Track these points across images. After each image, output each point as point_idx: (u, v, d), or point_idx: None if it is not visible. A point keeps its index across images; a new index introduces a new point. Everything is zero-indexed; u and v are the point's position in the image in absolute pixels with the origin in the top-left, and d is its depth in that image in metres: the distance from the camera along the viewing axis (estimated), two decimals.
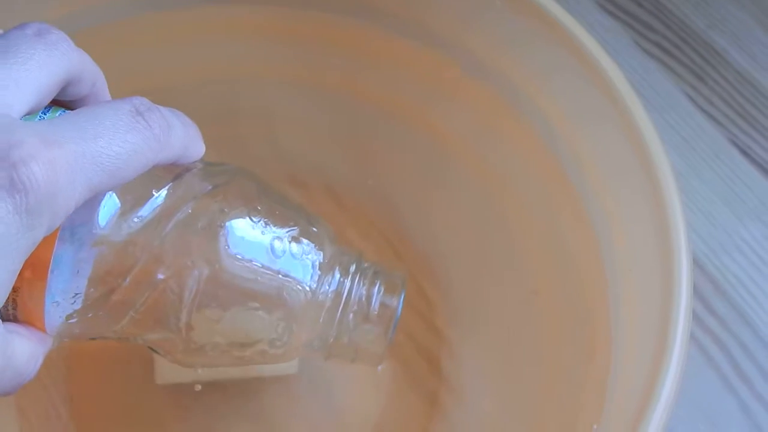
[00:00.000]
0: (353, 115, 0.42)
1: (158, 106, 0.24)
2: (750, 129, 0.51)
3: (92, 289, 0.25)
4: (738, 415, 0.41)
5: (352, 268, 0.30)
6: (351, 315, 0.30)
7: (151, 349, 0.29)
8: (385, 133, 0.42)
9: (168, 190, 0.26)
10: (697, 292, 0.45)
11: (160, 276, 0.26)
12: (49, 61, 0.22)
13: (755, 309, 0.45)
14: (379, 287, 0.30)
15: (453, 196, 0.41)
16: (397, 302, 0.31)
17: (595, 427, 0.30)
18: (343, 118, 0.42)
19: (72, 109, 0.24)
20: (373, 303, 0.30)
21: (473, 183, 0.40)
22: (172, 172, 0.26)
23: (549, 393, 0.35)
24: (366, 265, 0.31)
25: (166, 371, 0.38)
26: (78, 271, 0.24)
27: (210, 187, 0.27)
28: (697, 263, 0.46)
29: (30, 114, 0.23)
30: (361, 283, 0.30)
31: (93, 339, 0.27)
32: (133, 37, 0.38)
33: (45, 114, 0.23)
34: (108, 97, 0.27)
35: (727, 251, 0.46)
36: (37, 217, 0.19)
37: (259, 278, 0.27)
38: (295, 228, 0.29)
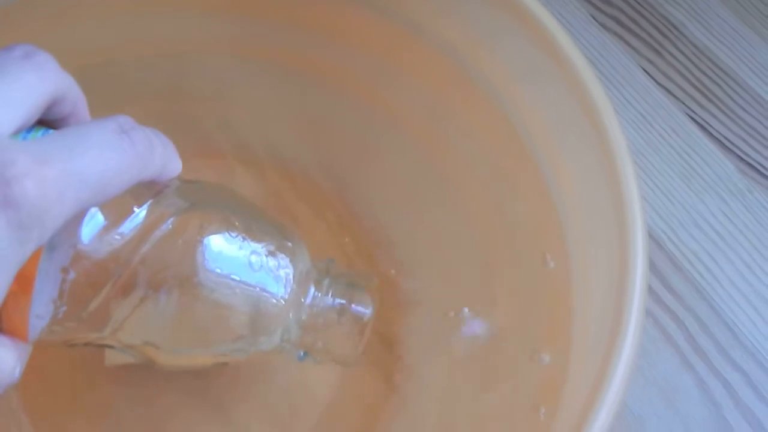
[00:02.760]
0: (305, 91, 0.41)
1: (140, 125, 0.25)
2: (708, 104, 0.51)
3: (75, 302, 0.26)
4: (694, 391, 0.41)
5: (326, 280, 0.32)
6: (324, 325, 0.31)
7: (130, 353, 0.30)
8: (336, 109, 0.41)
9: (148, 206, 0.27)
10: (654, 269, 0.45)
11: (141, 290, 0.27)
12: (37, 82, 0.23)
13: (712, 284, 0.45)
14: (351, 299, 0.32)
15: (406, 171, 0.41)
16: (369, 313, 0.32)
17: (542, 410, 0.30)
18: (294, 95, 0.41)
19: (54, 128, 0.25)
20: (345, 314, 0.32)
21: (428, 158, 0.39)
22: (151, 189, 0.27)
23: (502, 369, 0.35)
24: (339, 276, 0.32)
25: (115, 353, 0.37)
26: (61, 285, 0.25)
27: (188, 204, 0.28)
28: (654, 240, 0.46)
29: (17, 132, 0.23)
30: (334, 295, 0.32)
31: (73, 345, 0.28)
32: (76, 9, 0.37)
33: (28, 133, 0.24)
34: (87, 115, 0.27)
35: (685, 227, 0.46)
36: (28, 232, 0.20)
37: (237, 291, 0.28)
38: (271, 243, 0.30)
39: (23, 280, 0.23)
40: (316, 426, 0.38)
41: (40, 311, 0.25)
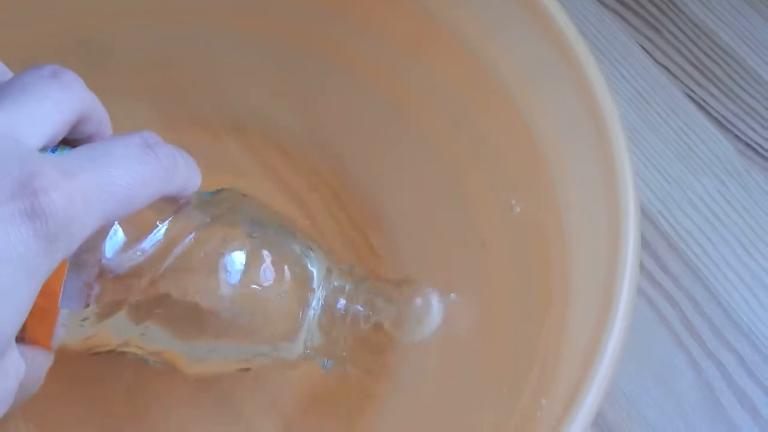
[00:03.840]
0: (299, 63, 0.41)
1: (164, 142, 0.25)
2: (706, 82, 0.51)
3: (99, 315, 0.26)
4: (688, 373, 0.41)
5: (348, 286, 0.32)
6: (346, 332, 0.31)
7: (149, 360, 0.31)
8: (333, 83, 0.41)
9: (171, 221, 0.28)
10: (649, 249, 0.45)
11: (164, 302, 0.27)
12: (63, 99, 0.24)
13: (708, 265, 0.44)
14: (372, 306, 0.32)
15: (401, 146, 0.40)
16: (394, 319, 0.32)
17: (543, 401, 0.29)
18: (289, 68, 0.41)
19: None
20: (368, 321, 0.32)
21: (422, 134, 0.39)
22: (173, 203, 0.28)
23: (495, 351, 0.34)
24: (361, 282, 0.32)
25: None
26: (86, 298, 0.26)
27: (210, 218, 0.29)
28: (650, 219, 0.45)
29: (43, 149, 0.24)
30: (356, 302, 0.32)
31: (96, 354, 0.29)
32: None
33: (54, 151, 0.24)
34: (111, 135, 0.28)
35: (681, 207, 0.46)
36: (56, 242, 0.21)
37: (258, 301, 0.29)
38: (292, 253, 0.30)
39: (49, 294, 0.24)
40: (309, 406, 0.37)
41: (66, 322, 0.26)
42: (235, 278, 0.28)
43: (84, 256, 0.25)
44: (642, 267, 0.43)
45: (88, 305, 0.26)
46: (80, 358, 0.37)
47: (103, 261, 0.26)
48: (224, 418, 0.37)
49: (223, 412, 0.37)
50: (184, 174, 0.26)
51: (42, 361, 0.26)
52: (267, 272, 0.29)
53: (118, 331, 0.28)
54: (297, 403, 0.37)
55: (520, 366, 0.32)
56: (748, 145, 0.49)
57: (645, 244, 0.44)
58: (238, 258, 0.29)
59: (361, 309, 0.32)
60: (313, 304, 0.31)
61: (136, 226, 0.27)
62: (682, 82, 0.51)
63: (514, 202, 0.33)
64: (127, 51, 0.39)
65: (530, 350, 0.32)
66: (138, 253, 0.27)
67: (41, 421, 0.36)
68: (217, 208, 0.30)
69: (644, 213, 0.45)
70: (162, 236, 0.27)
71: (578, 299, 0.30)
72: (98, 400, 0.37)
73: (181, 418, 0.37)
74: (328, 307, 0.31)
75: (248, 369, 0.32)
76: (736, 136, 0.49)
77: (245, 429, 0.37)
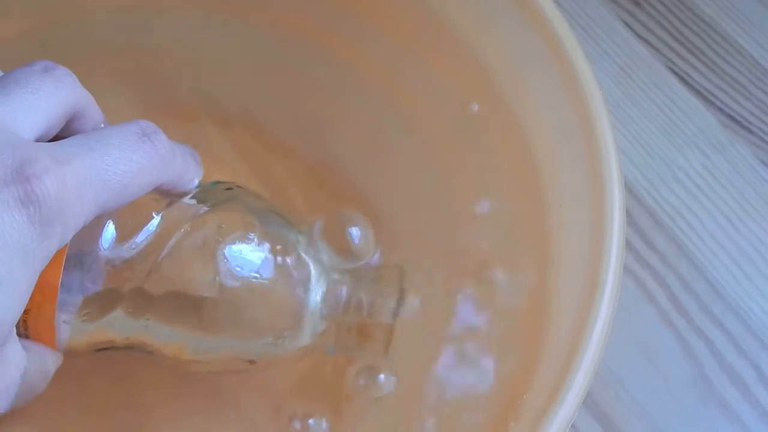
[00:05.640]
0: (279, 47, 0.40)
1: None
2: (688, 55, 0.50)
3: (99, 308, 0.27)
4: (676, 350, 0.41)
5: (348, 275, 0.32)
6: (349, 319, 0.31)
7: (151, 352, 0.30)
8: (316, 70, 0.40)
9: (167, 211, 0.28)
10: (635, 226, 0.44)
11: (164, 293, 0.27)
12: (56, 92, 0.24)
13: (694, 240, 0.44)
14: (376, 291, 0.31)
15: (393, 142, 0.40)
16: (395, 304, 0.32)
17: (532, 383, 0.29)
18: (268, 51, 0.41)
19: None
20: (372, 308, 0.31)
21: (408, 121, 0.39)
22: (170, 194, 0.28)
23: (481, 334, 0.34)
24: (362, 270, 0.33)
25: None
26: (85, 293, 0.26)
27: (206, 207, 0.29)
28: (635, 196, 0.45)
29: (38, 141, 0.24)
30: (358, 290, 0.31)
31: (100, 350, 0.29)
32: None
33: None
34: None
35: (666, 182, 0.46)
36: (50, 228, 0.21)
37: (257, 289, 0.29)
38: (290, 241, 0.30)
39: (47, 290, 0.24)
40: (300, 389, 0.36)
41: (66, 318, 0.26)
42: (233, 267, 0.28)
43: (81, 249, 0.26)
44: (628, 244, 0.43)
45: (87, 299, 0.26)
46: (70, 355, 0.37)
47: (100, 253, 0.26)
48: (214, 405, 0.36)
49: (212, 398, 0.36)
50: (181, 164, 0.26)
51: (48, 358, 0.26)
52: (266, 260, 0.29)
53: (121, 326, 0.28)
54: (289, 386, 0.37)
55: (507, 348, 0.32)
56: (731, 117, 0.48)
57: (630, 220, 0.44)
58: (236, 246, 0.29)
59: (363, 297, 0.31)
60: (315, 291, 0.31)
61: (133, 217, 0.27)
62: (664, 55, 0.50)
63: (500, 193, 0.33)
64: (103, 34, 0.39)
65: (516, 331, 0.32)
66: (137, 243, 0.27)
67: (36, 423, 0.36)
68: (214, 199, 0.29)
69: (629, 189, 0.45)
70: (160, 226, 0.27)
71: (564, 279, 0.30)
72: (88, 397, 0.36)
73: (169, 406, 0.36)
74: (330, 293, 0.31)
75: (254, 362, 0.32)
76: (720, 108, 0.49)
77: (234, 413, 0.36)
